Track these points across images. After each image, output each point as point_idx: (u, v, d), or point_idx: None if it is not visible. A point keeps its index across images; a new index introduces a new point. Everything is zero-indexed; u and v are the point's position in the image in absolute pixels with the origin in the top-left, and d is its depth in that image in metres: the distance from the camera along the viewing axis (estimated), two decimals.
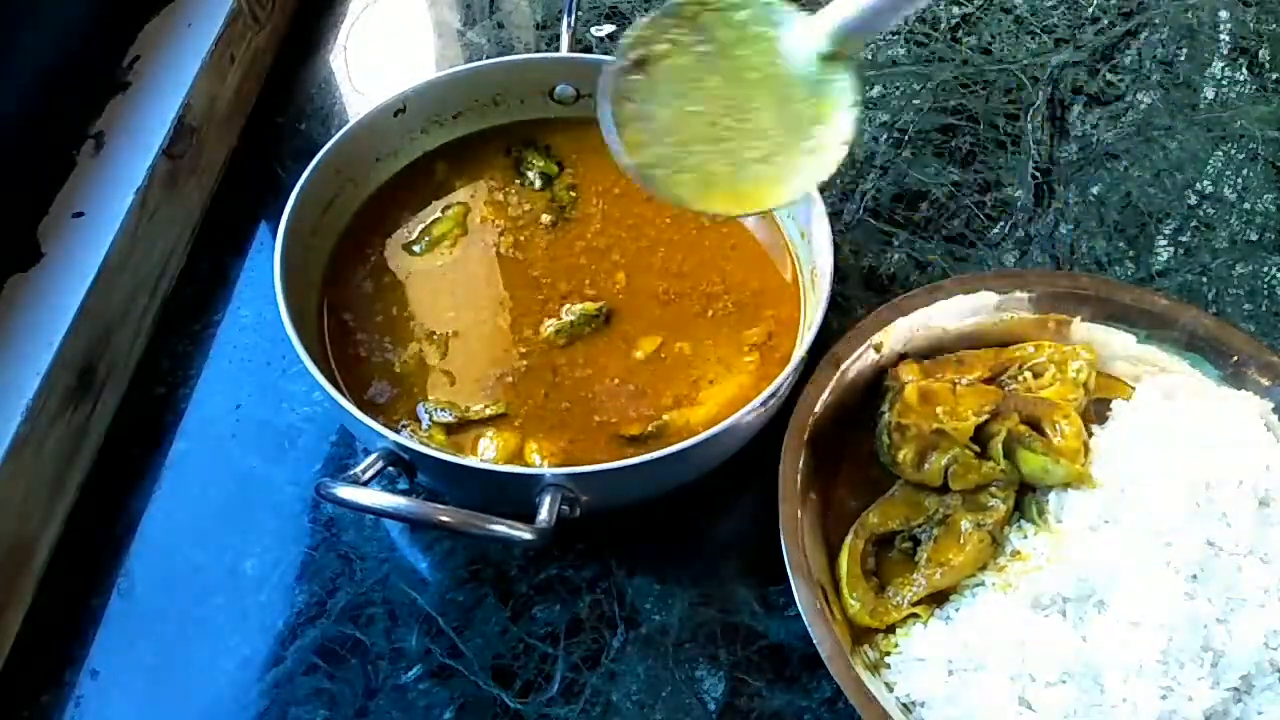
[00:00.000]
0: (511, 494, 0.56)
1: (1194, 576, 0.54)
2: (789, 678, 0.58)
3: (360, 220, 0.69)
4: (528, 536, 0.50)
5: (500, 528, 0.50)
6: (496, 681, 0.57)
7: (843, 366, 0.63)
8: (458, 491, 0.61)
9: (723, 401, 0.62)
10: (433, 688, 0.57)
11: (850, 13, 0.52)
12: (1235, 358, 0.64)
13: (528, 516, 0.52)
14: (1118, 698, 0.52)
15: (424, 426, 0.61)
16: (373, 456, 0.54)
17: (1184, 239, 0.78)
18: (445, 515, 0.51)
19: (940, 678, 0.54)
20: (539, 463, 0.59)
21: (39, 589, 0.60)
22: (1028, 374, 0.64)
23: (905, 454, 0.60)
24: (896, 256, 0.76)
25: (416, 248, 0.69)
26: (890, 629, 0.57)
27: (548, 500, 0.52)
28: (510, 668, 0.58)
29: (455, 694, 0.57)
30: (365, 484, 0.53)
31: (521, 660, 0.58)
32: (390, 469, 0.55)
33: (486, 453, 0.60)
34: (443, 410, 0.61)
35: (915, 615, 0.57)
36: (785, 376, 0.57)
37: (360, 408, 0.61)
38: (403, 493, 0.63)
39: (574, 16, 0.73)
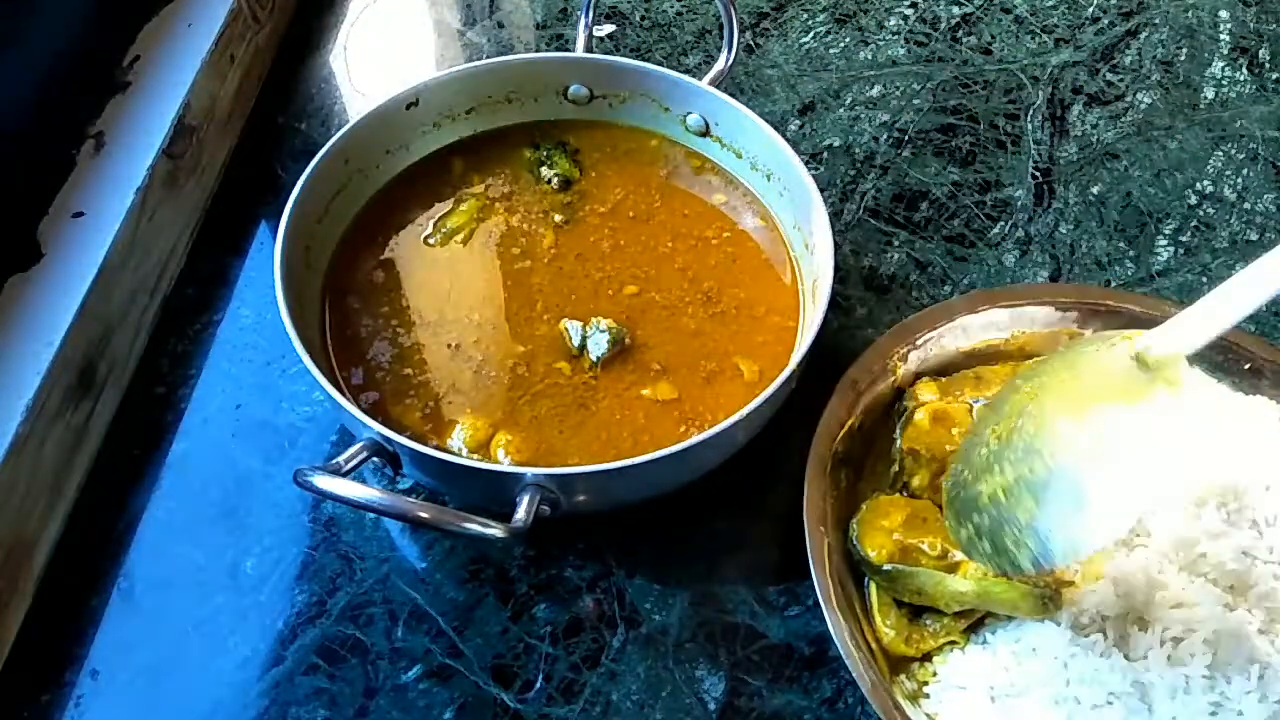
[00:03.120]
0: (493, 491, 0.56)
1: (1231, 587, 0.54)
2: (789, 678, 0.58)
3: (370, 211, 0.70)
4: (500, 535, 0.50)
5: (474, 525, 0.50)
6: (496, 681, 0.57)
7: (859, 390, 0.62)
8: (442, 485, 0.61)
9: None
10: (433, 688, 0.57)
11: (1192, 329, 0.47)
12: (1249, 365, 0.63)
13: (510, 513, 0.52)
14: (1167, 716, 0.51)
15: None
16: (357, 446, 0.55)
17: (1184, 239, 0.78)
18: (420, 510, 0.51)
19: (983, 705, 0.53)
20: (503, 457, 0.59)
21: (39, 589, 0.60)
22: None
23: (919, 479, 0.59)
24: (896, 256, 0.76)
25: (431, 240, 0.69)
26: (927, 657, 0.56)
27: (526, 499, 0.52)
28: (510, 668, 0.58)
29: (455, 694, 0.57)
30: (346, 474, 0.52)
31: (521, 660, 0.58)
32: (375, 459, 0.55)
33: (457, 438, 0.60)
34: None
35: (952, 641, 0.56)
36: (783, 378, 0.56)
37: (356, 394, 0.61)
38: (405, 492, 0.63)
39: (590, 17, 0.73)
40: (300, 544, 0.62)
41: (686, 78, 0.70)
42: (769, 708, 0.57)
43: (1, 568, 0.56)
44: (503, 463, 0.59)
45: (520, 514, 0.51)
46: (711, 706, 0.57)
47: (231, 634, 0.59)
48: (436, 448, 0.58)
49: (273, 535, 0.62)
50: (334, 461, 0.53)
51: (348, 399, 0.57)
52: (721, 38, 0.91)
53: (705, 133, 0.72)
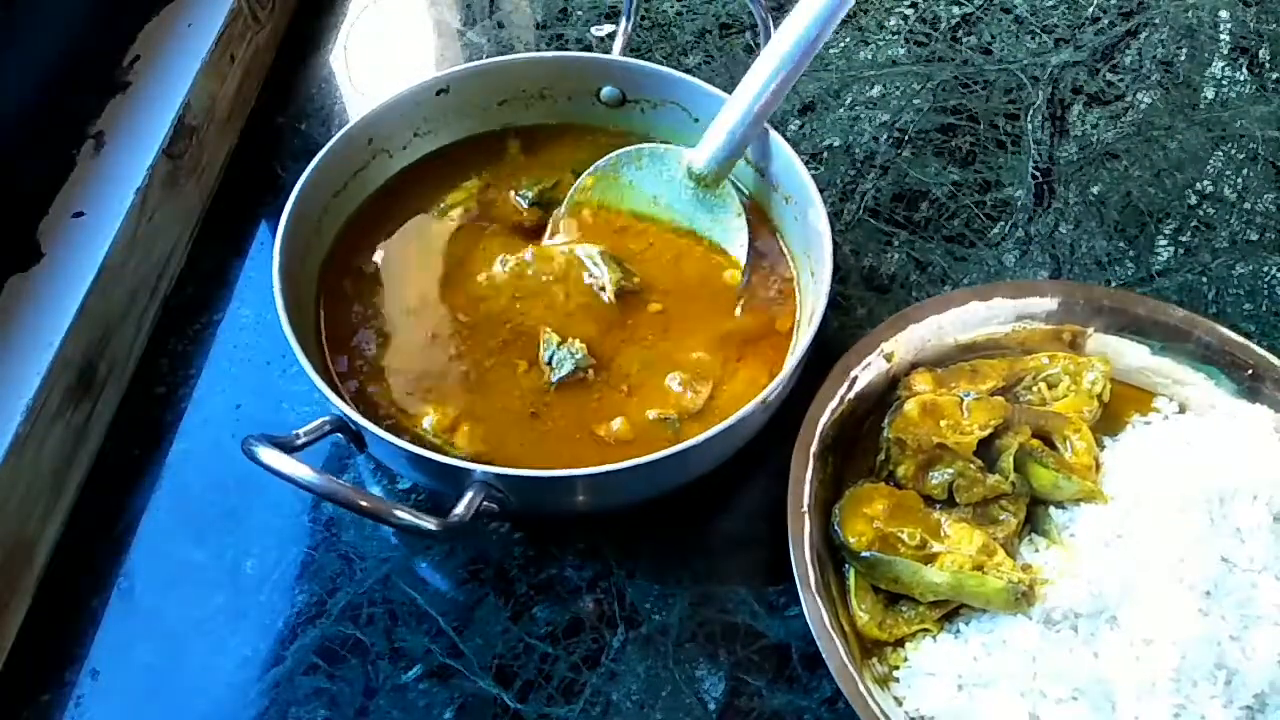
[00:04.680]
0: (447, 483, 0.56)
1: (1207, 593, 0.54)
2: (789, 678, 0.58)
3: (371, 209, 0.70)
4: (431, 527, 0.50)
5: (406, 516, 0.50)
6: (496, 681, 0.57)
7: (853, 375, 0.63)
8: (402, 467, 0.61)
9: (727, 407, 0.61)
10: (433, 688, 0.57)
11: (717, 142, 0.66)
12: (1251, 370, 0.63)
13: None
14: (1130, 715, 0.52)
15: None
16: (319, 421, 0.55)
17: (1184, 239, 0.78)
18: (359, 498, 0.50)
19: (950, 693, 0.54)
20: (461, 444, 0.59)
21: (39, 589, 0.60)
22: (1042, 385, 0.64)
23: (905, 468, 0.59)
24: (896, 256, 0.76)
25: (433, 211, 0.70)
26: (899, 642, 0.57)
27: (469, 495, 0.52)
28: (510, 668, 0.58)
29: (455, 694, 0.57)
30: (299, 448, 0.53)
31: (521, 660, 0.58)
32: (339, 435, 0.56)
33: (425, 420, 0.60)
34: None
35: (925, 629, 0.56)
36: (781, 381, 0.56)
37: (343, 379, 0.62)
38: (405, 491, 0.64)
39: (631, 22, 0.73)
40: (300, 544, 0.62)
41: (719, 91, 0.68)
42: (769, 708, 0.57)
43: (1, 568, 0.56)
44: (462, 454, 0.59)
45: (459, 509, 0.51)
46: (711, 706, 0.57)
47: (231, 634, 0.59)
48: (392, 428, 0.59)
49: (273, 535, 0.62)
50: (294, 432, 0.53)
51: (346, 402, 0.57)
52: (722, 38, 0.91)
53: (753, 164, 0.71)
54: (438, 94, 0.70)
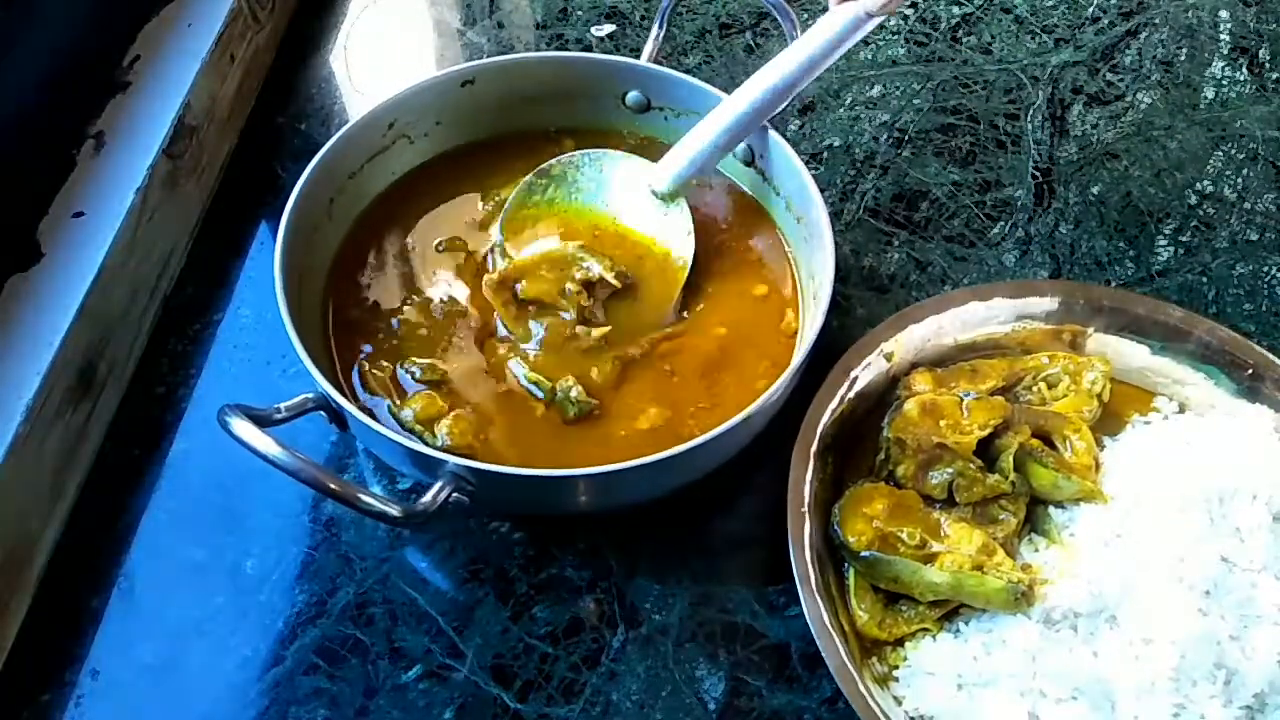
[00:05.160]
0: (420, 468, 0.57)
1: (1207, 593, 0.54)
2: (789, 678, 0.58)
3: (377, 209, 0.70)
4: (394, 513, 0.50)
5: (371, 501, 0.50)
6: (496, 681, 0.57)
7: (853, 375, 0.63)
8: (382, 451, 0.61)
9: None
10: (433, 688, 0.57)
11: (680, 165, 0.66)
12: (1251, 370, 0.63)
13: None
14: (1129, 715, 0.52)
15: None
16: (301, 397, 0.55)
17: (1184, 239, 0.78)
18: (328, 481, 0.49)
19: (949, 692, 0.54)
20: (443, 435, 0.59)
21: (39, 589, 0.60)
22: (1042, 385, 0.64)
23: (905, 468, 0.59)
24: (896, 256, 0.76)
25: (441, 246, 0.69)
26: (899, 642, 0.57)
27: (437, 486, 0.52)
28: (510, 668, 0.58)
29: (455, 694, 0.57)
30: (279, 422, 0.53)
31: (521, 660, 0.58)
32: (320, 412, 0.56)
33: (410, 408, 0.60)
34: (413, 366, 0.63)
35: (925, 629, 0.56)
36: (782, 381, 0.56)
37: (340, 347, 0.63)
38: (408, 491, 0.64)
39: (663, 28, 0.73)
40: (300, 544, 0.62)
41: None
42: (769, 708, 0.57)
43: (1, 568, 0.56)
44: (441, 443, 0.59)
45: (426, 498, 0.52)
46: (711, 706, 0.57)
47: (231, 634, 0.59)
48: (367, 407, 0.59)
49: (273, 535, 0.62)
50: (274, 405, 0.53)
51: (323, 374, 0.57)
52: (722, 38, 0.91)
53: (750, 162, 0.71)
54: (463, 85, 0.70)
